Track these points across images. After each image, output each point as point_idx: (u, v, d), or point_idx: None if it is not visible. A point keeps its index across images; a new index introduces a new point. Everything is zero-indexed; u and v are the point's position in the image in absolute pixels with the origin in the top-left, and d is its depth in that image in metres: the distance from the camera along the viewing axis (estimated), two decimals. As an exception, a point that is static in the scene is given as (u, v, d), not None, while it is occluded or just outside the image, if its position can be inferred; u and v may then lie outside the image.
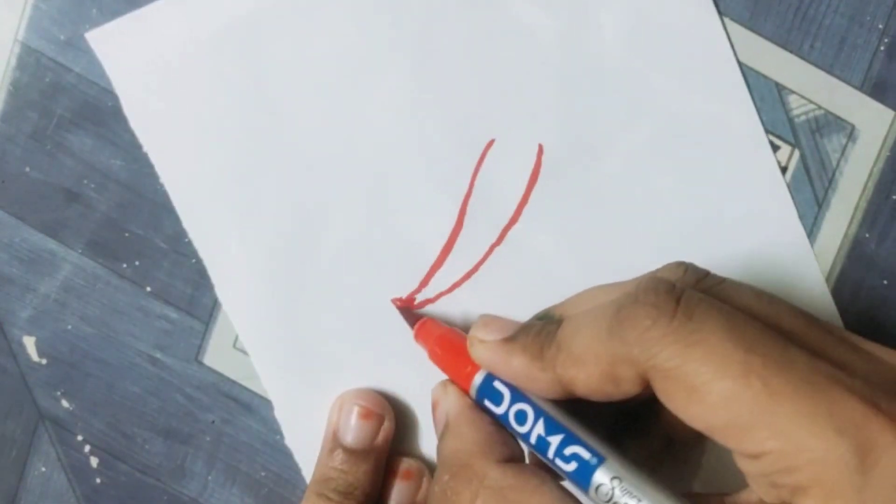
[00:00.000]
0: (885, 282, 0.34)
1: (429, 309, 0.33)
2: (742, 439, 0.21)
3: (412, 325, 0.32)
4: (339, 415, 0.32)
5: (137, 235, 0.34)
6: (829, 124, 0.33)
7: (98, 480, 0.35)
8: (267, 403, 0.34)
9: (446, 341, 0.30)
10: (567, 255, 0.33)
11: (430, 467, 0.34)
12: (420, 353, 0.33)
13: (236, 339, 0.34)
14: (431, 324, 0.31)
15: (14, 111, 0.33)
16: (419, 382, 0.34)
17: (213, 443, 0.34)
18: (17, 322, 0.34)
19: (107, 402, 0.34)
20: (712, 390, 0.21)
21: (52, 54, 0.33)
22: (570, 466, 0.25)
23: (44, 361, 0.34)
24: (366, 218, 0.33)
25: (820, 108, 0.33)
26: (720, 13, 0.33)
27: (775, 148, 0.33)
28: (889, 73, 0.33)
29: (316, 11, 0.33)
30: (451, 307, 0.33)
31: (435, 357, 0.30)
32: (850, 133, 0.33)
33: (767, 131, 0.33)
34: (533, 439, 0.26)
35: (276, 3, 0.33)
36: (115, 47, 0.33)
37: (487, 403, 0.27)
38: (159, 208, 0.34)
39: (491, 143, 0.33)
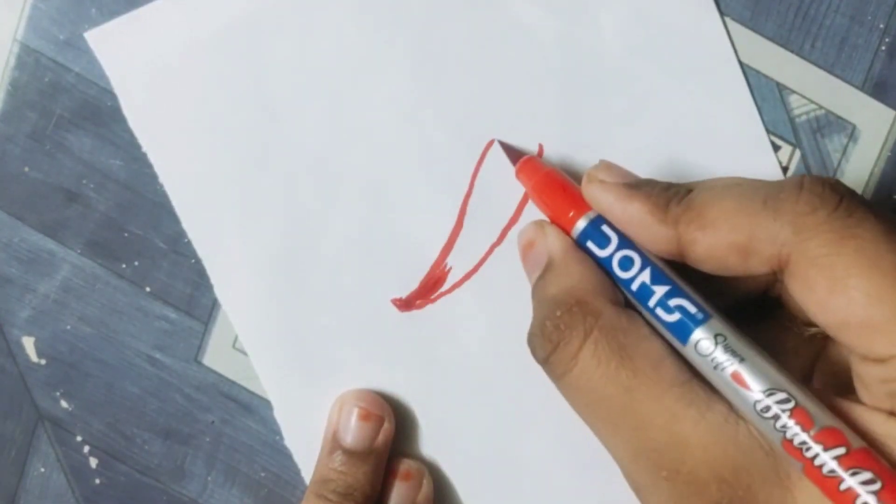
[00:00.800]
0: (887, 282, 0.34)
1: (428, 309, 0.33)
2: (874, 339, 0.21)
3: (514, 161, 0.31)
4: (338, 416, 0.32)
5: (137, 235, 0.34)
6: (830, 124, 0.33)
7: (97, 481, 0.35)
8: (267, 404, 0.34)
9: (550, 180, 0.29)
10: (567, 256, 0.33)
11: (430, 467, 0.34)
12: (419, 353, 0.33)
13: (236, 339, 0.34)
14: (535, 162, 0.30)
15: (13, 111, 0.33)
16: (419, 383, 0.34)
17: (212, 443, 0.34)
18: (16, 322, 0.34)
19: (106, 403, 0.34)
20: (858, 285, 0.21)
21: (51, 54, 0.33)
22: (673, 317, 0.24)
23: (43, 362, 0.34)
24: (366, 218, 0.33)
25: (821, 107, 0.33)
26: (721, 13, 0.33)
27: (776, 148, 0.33)
28: (890, 73, 0.33)
29: (316, 11, 0.33)
30: (452, 307, 0.33)
31: (536, 195, 0.29)
32: (851, 133, 0.33)
33: (768, 131, 0.33)
34: (635, 286, 0.25)
35: (276, 3, 0.33)
36: (114, 47, 0.33)
37: (590, 245, 0.26)
38: (159, 208, 0.33)
39: (491, 143, 0.33)
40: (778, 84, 0.33)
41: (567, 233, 0.27)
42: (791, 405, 0.22)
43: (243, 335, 0.34)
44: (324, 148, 0.33)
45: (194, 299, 0.34)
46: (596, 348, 0.24)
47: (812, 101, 0.33)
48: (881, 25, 0.33)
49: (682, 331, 0.24)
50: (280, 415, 0.34)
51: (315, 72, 0.33)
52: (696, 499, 0.22)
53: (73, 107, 0.33)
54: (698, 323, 0.24)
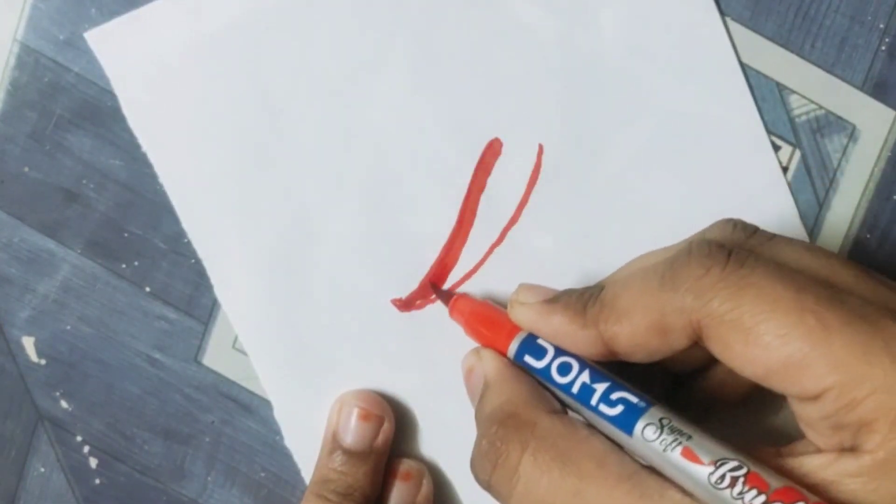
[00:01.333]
0: (887, 282, 0.34)
1: (428, 309, 0.33)
2: (801, 378, 0.21)
3: (446, 302, 0.32)
4: (338, 416, 0.32)
5: (136, 235, 0.34)
6: (830, 124, 0.33)
7: (97, 481, 0.35)
8: (266, 404, 0.34)
9: (481, 313, 0.30)
10: (567, 255, 0.33)
11: (430, 467, 0.34)
12: (419, 354, 0.33)
13: (236, 339, 0.34)
14: (465, 299, 0.31)
15: (13, 111, 0.33)
16: (419, 383, 0.34)
17: (212, 443, 0.34)
18: (16, 322, 0.34)
19: (106, 403, 0.34)
20: (767, 330, 0.22)
21: (51, 54, 0.33)
22: (616, 410, 0.25)
23: (43, 362, 0.34)
24: (366, 218, 0.33)
25: (821, 108, 0.33)
26: (721, 13, 0.33)
27: (776, 148, 0.33)
28: (890, 73, 0.33)
29: (315, 11, 0.33)
30: (451, 307, 0.33)
31: (470, 327, 0.30)
32: (851, 133, 0.33)
33: (768, 131, 0.33)
34: (576, 388, 0.26)
35: (276, 4, 0.33)
36: (114, 47, 0.33)
37: (528, 359, 0.27)
38: (159, 208, 0.33)
39: (491, 142, 0.33)
40: (778, 84, 0.33)
41: (504, 355, 0.28)
42: (744, 471, 0.22)
43: (243, 335, 0.34)
44: (324, 148, 0.33)
45: (194, 299, 0.34)
46: (535, 459, 0.24)
47: (812, 101, 0.33)
48: (881, 25, 0.33)
49: (627, 421, 0.24)
50: (280, 415, 0.34)
51: (315, 71, 0.33)
52: None
53: (73, 107, 0.33)
54: (642, 411, 0.24)
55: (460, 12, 0.33)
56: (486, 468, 0.25)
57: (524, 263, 0.33)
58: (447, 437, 0.34)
